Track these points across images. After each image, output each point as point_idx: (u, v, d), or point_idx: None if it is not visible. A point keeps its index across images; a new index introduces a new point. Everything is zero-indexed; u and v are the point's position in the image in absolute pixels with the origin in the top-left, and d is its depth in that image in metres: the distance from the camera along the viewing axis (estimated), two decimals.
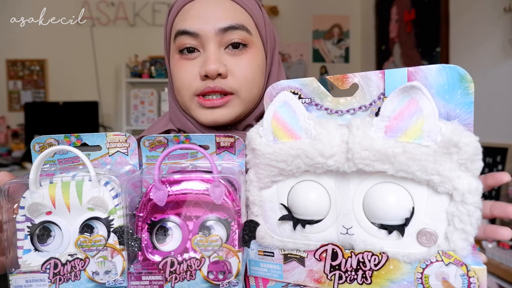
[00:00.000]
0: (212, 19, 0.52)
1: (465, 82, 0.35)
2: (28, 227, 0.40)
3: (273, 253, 0.42)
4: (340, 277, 0.39)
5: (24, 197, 0.40)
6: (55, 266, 0.40)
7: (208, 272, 0.38)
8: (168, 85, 0.63)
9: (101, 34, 3.05)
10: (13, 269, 0.40)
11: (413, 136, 0.34)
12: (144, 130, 0.65)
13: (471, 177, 0.34)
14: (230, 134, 0.43)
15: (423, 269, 0.36)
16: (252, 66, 0.54)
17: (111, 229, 0.40)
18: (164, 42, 0.60)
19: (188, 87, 0.54)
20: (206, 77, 0.52)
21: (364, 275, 0.38)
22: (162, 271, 0.38)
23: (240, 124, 0.59)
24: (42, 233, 0.41)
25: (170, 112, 0.63)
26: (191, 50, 0.54)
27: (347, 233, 0.39)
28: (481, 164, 0.34)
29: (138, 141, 0.46)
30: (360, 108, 0.39)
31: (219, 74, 0.52)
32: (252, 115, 0.59)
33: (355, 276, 0.38)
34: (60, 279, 0.40)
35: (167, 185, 0.39)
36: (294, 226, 0.40)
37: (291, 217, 0.40)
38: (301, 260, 0.41)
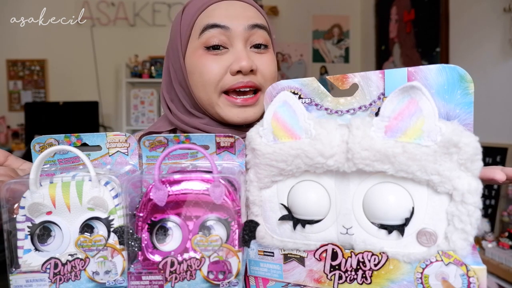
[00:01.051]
0: (241, 17, 0.55)
1: (465, 82, 0.35)
2: (28, 227, 0.40)
3: (273, 253, 0.42)
4: (340, 277, 0.39)
5: (24, 197, 0.40)
6: (55, 266, 0.40)
7: (208, 272, 0.38)
8: (164, 86, 0.60)
9: (101, 34, 3.05)
10: (13, 269, 0.40)
11: (413, 136, 0.34)
12: (144, 130, 0.64)
13: (471, 177, 0.34)
14: (230, 134, 0.43)
15: (423, 269, 0.36)
16: (273, 65, 0.58)
17: (111, 229, 0.40)
18: (179, 40, 0.57)
19: (216, 82, 0.54)
20: (237, 73, 0.53)
21: (364, 275, 0.38)
22: (162, 271, 0.38)
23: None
24: (42, 233, 0.41)
25: (170, 115, 0.60)
26: (217, 47, 0.54)
27: (347, 233, 0.39)
28: (481, 164, 0.34)
29: (140, 137, 0.46)
30: (360, 108, 0.39)
31: (251, 70, 0.53)
32: None
33: (355, 276, 0.38)
34: (60, 279, 0.40)
35: (167, 185, 0.39)
36: (294, 226, 0.40)
37: (291, 217, 0.41)
38: (301, 260, 0.41)
